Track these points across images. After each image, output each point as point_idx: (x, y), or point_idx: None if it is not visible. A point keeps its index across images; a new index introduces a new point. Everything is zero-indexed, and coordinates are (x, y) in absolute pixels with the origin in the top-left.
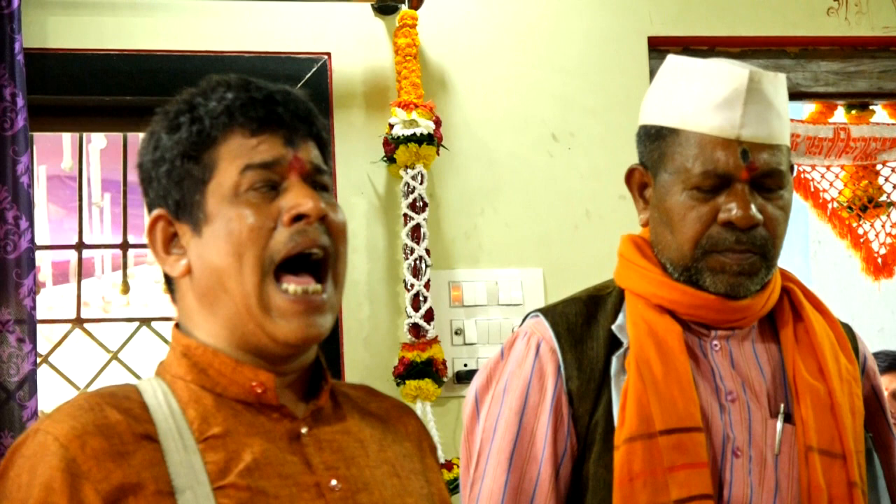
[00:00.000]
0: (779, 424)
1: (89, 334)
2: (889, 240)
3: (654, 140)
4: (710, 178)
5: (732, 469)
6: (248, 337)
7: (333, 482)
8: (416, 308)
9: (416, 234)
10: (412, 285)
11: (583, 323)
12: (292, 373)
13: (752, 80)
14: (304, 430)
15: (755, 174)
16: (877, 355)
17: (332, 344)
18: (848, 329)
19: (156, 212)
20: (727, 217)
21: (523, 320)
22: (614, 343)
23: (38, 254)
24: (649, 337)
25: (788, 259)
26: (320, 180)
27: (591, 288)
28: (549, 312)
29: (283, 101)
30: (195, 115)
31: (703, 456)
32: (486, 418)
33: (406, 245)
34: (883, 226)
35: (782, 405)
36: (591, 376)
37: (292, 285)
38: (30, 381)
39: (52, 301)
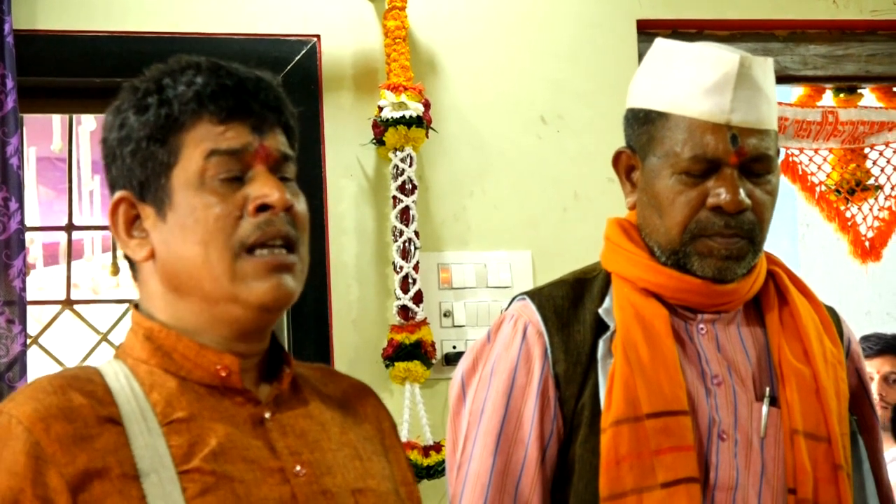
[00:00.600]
0: (764, 408)
1: (79, 315)
2: (876, 223)
3: (643, 124)
4: (700, 162)
5: (719, 452)
6: (218, 315)
7: (298, 467)
8: (405, 290)
9: (405, 216)
10: (401, 267)
11: (570, 306)
12: (254, 355)
13: (742, 65)
14: (267, 415)
15: (744, 159)
16: (868, 338)
17: (321, 325)
18: (833, 313)
19: (119, 193)
20: (716, 202)
21: (510, 303)
22: (601, 326)
23: (28, 235)
24: (636, 320)
25: (776, 242)
26: (287, 170)
27: (578, 271)
28: (535, 295)
29: (254, 90)
30: (163, 97)
31: (690, 439)
32: (473, 401)
33: (395, 227)
34: (871, 209)
35: (768, 389)
36: (578, 359)
37: (261, 250)
38: (19, 363)
39: (41, 282)
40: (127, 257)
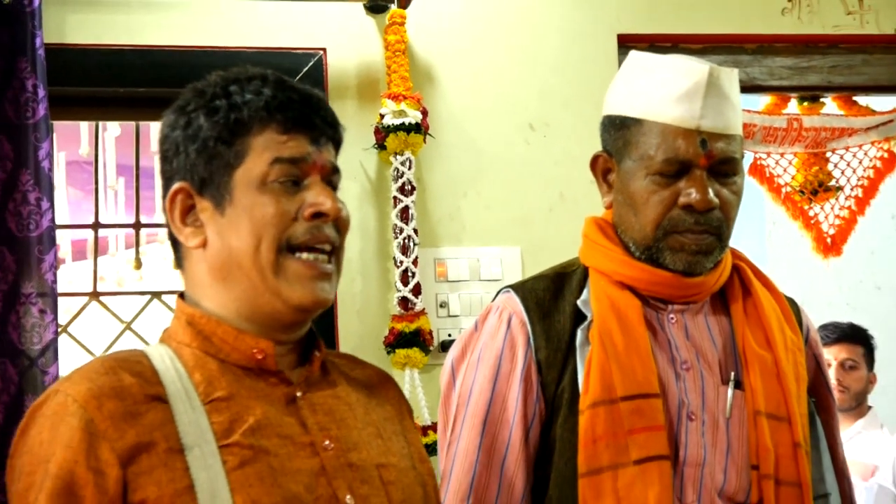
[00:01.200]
0: (729, 391)
1: (105, 306)
2: (837, 221)
3: (619, 129)
4: (672, 164)
5: (687, 432)
6: (260, 307)
7: (326, 442)
8: (405, 283)
9: (404, 215)
10: (401, 262)
11: (550, 298)
12: (289, 342)
13: (711, 75)
14: (299, 394)
15: (713, 161)
16: (825, 327)
17: (327, 316)
18: (793, 303)
19: (178, 184)
20: (687, 201)
21: (496, 295)
22: (579, 316)
23: (58, 232)
24: (611, 311)
25: (745, 239)
26: (335, 180)
27: (558, 266)
28: (519, 288)
29: (315, 106)
30: (232, 102)
31: (661, 420)
32: (462, 385)
33: (395, 225)
34: (832, 208)
35: (733, 373)
36: (558, 347)
37: (305, 254)
38: (51, 349)
39: (71, 276)
40: (174, 245)
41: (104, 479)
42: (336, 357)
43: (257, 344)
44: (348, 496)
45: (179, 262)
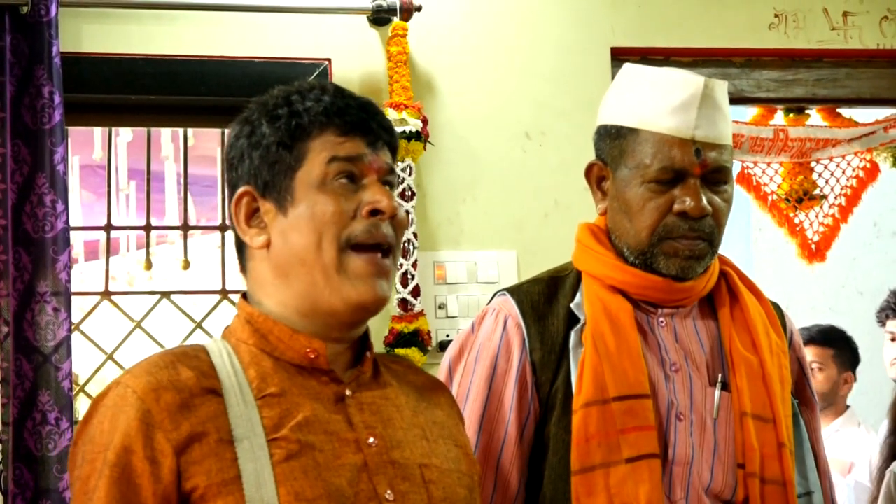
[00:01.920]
0: (717, 392)
1: (116, 305)
2: (821, 228)
3: (615, 138)
4: (667, 172)
5: (676, 431)
6: (320, 305)
7: (371, 439)
8: (405, 285)
9: None
10: (401, 265)
11: (545, 301)
12: (343, 343)
13: (706, 87)
14: (348, 393)
15: (706, 170)
16: (808, 328)
17: None
18: (777, 308)
19: (243, 188)
20: (682, 208)
21: (492, 298)
22: (573, 319)
23: (72, 234)
24: (604, 314)
25: (732, 245)
26: (391, 180)
27: (552, 269)
28: (515, 291)
29: (373, 112)
30: (293, 109)
31: (651, 420)
32: (459, 385)
33: None
34: (816, 216)
35: (720, 375)
36: (552, 348)
37: (364, 252)
38: (64, 346)
39: (83, 275)
40: (238, 248)
41: (159, 468)
42: (392, 362)
43: (311, 343)
44: (388, 492)
45: (243, 265)
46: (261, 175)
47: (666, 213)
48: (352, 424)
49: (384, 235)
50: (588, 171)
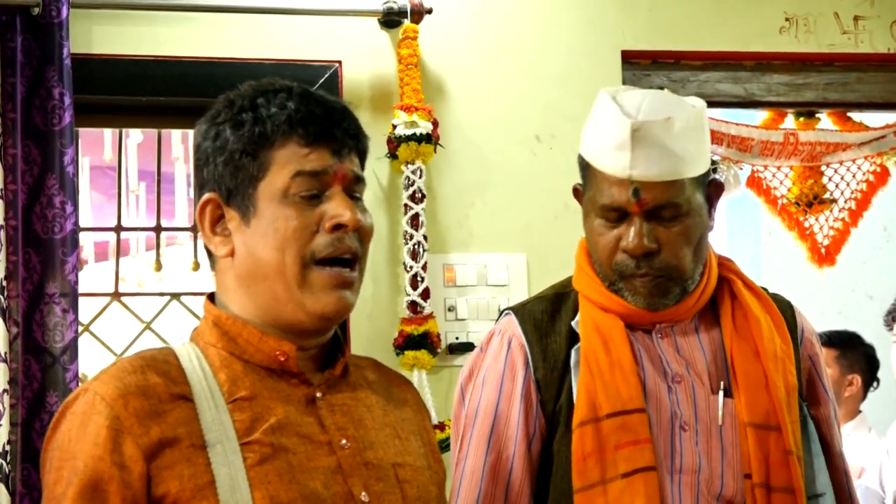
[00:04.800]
0: (720, 399)
1: (125, 306)
2: (831, 232)
3: (582, 169)
4: (609, 210)
5: (681, 441)
6: (284, 317)
7: (343, 441)
8: (415, 287)
9: (415, 222)
10: (411, 267)
11: (548, 319)
12: (312, 347)
13: (634, 129)
14: (318, 395)
15: (646, 208)
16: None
17: None
18: (786, 307)
19: (208, 195)
20: (623, 245)
21: (499, 317)
22: (574, 337)
23: (82, 235)
24: (596, 333)
25: (742, 248)
26: (358, 189)
27: (558, 284)
28: (519, 311)
29: (338, 119)
30: (258, 115)
31: (645, 433)
32: (469, 406)
33: (406, 232)
34: (826, 220)
35: (723, 382)
36: (555, 366)
37: (328, 267)
38: (72, 348)
39: (93, 277)
40: (207, 250)
41: (128, 473)
42: (358, 360)
43: (280, 346)
44: (363, 493)
45: (213, 266)
46: (224, 182)
47: (615, 251)
48: (324, 426)
49: (348, 248)
50: (575, 194)
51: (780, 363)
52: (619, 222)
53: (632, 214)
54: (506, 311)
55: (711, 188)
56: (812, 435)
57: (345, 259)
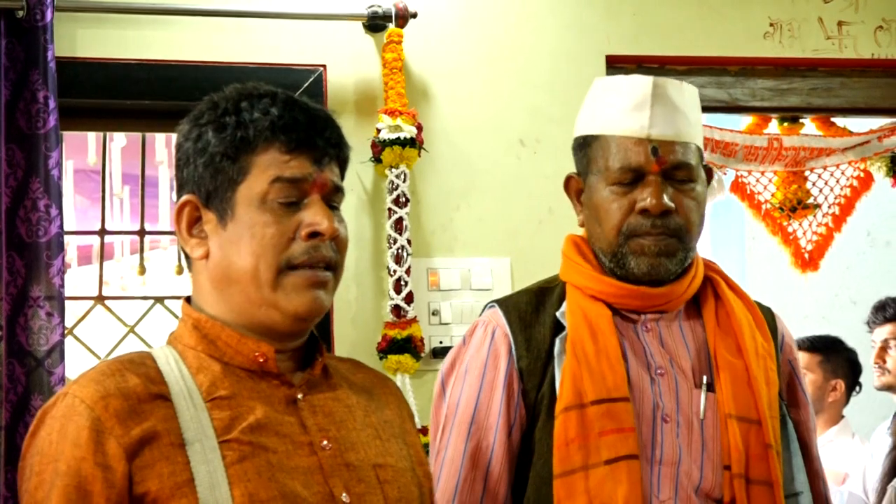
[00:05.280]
0: (703, 394)
1: (109, 310)
2: (815, 237)
3: (583, 148)
4: (626, 172)
5: (663, 433)
6: (258, 318)
7: (325, 442)
8: (398, 291)
9: (398, 226)
10: (395, 271)
11: (532, 311)
12: (290, 349)
13: (655, 85)
14: (300, 396)
15: (665, 167)
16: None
17: (323, 322)
18: (767, 312)
19: (186, 196)
20: (643, 205)
21: (483, 310)
22: (558, 327)
23: (66, 238)
24: (583, 321)
25: (726, 253)
26: (336, 199)
27: (542, 281)
28: (503, 303)
29: (321, 127)
30: (241, 119)
31: (630, 422)
32: (450, 396)
33: (390, 236)
34: (810, 225)
35: (705, 377)
36: (538, 356)
37: (305, 270)
38: (57, 351)
39: (77, 280)
40: (183, 252)
41: (112, 473)
42: (339, 361)
43: (259, 347)
44: (344, 494)
45: (189, 268)
46: (204, 184)
47: (629, 213)
48: (305, 427)
49: (323, 257)
50: (566, 185)
51: (761, 360)
52: (635, 185)
53: (648, 175)
54: (490, 304)
55: (706, 170)
56: (791, 434)
57: (319, 267)
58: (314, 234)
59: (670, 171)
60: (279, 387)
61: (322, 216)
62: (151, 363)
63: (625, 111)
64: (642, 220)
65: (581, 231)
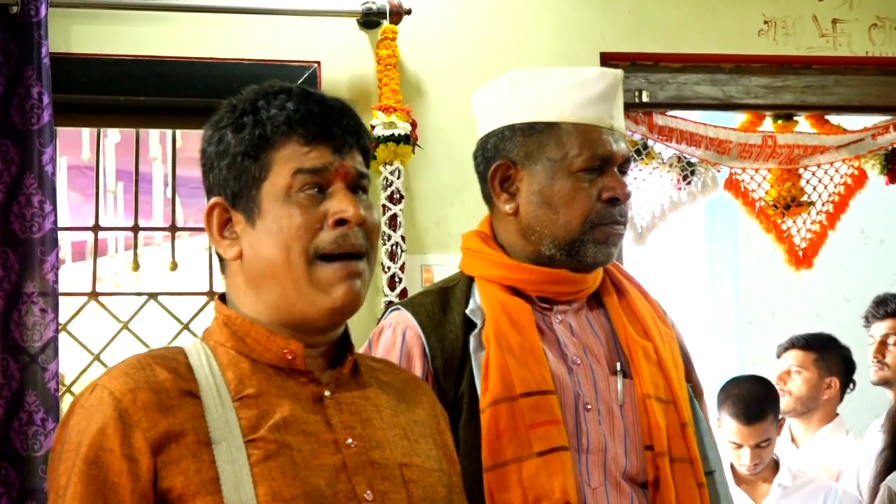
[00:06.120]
0: (619, 380)
1: (103, 306)
2: (809, 235)
3: (528, 135)
4: (596, 160)
5: (586, 421)
6: (294, 315)
7: (349, 440)
8: (392, 288)
9: (393, 222)
10: (389, 268)
11: (439, 311)
12: (322, 345)
13: (620, 78)
14: (326, 394)
15: (623, 159)
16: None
17: None
18: (656, 301)
19: (214, 199)
20: (612, 194)
21: (384, 314)
22: (469, 325)
23: (60, 234)
24: (504, 314)
25: (720, 250)
26: (361, 184)
27: (440, 281)
28: (408, 305)
29: (337, 117)
30: (258, 118)
31: (558, 414)
32: None
33: (384, 232)
34: (804, 223)
35: (618, 364)
36: (454, 354)
37: (337, 263)
38: (51, 347)
39: (70, 276)
40: (217, 255)
41: (137, 466)
42: (373, 362)
43: (288, 345)
44: (367, 492)
45: (223, 270)
46: (229, 185)
47: (595, 202)
48: (330, 425)
49: (353, 245)
50: (492, 174)
51: (666, 343)
52: (598, 174)
53: (612, 164)
54: (394, 307)
55: None
56: (699, 414)
57: (351, 254)
58: (341, 222)
59: (623, 164)
60: (307, 384)
61: (348, 203)
62: (183, 359)
63: (591, 100)
64: (609, 208)
65: (478, 224)
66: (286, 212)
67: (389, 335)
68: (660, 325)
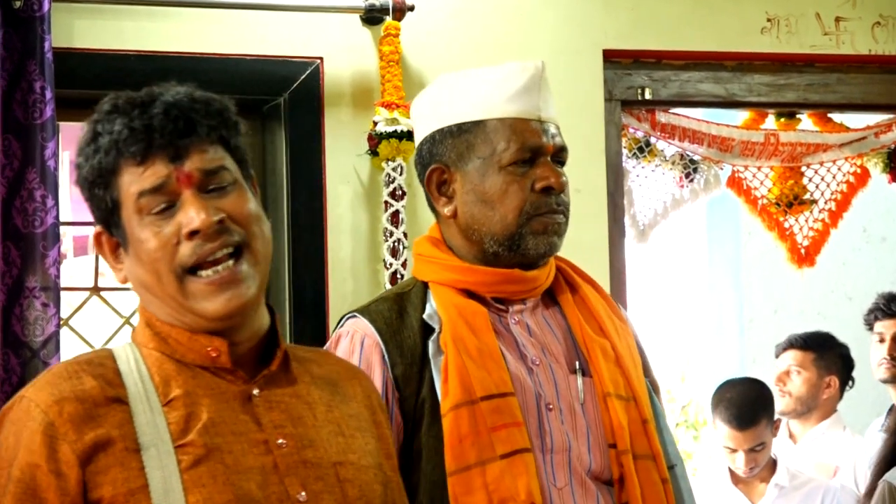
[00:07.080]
0: (578, 379)
1: (105, 301)
2: (811, 233)
3: (456, 137)
4: (525, 152)
5: (549, 421)
6: (187, 324)
7: (280, 440)
8: (394, 284)
9: (395, 219)
10: (391, 264)
11: (396, 317)
12: (246, 341)
13: (542, 69)
14: (255, 392)
15: (556, 148)
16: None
17: (319, 314)
18: (609, 297)
19: (97, 228)
20: (546, 183)
21: (340, 322)
22: (427, 330)
23: (62, 229)
24: (460, 318)
25: (722, 248)
26: (218, 180)
27: (395, 287)
28: (365, 312)
29: (160, 126)
30: (98, 145)
31: (519, 416)
32: None
33: (386, 229)
34: (806, 220)
35: (577, 362)
36: (413, 360)
37: (206, 271)
38: (53, 342)
39: (73, 271)
40: None
41: (65, 480)
42: (306, 353)
43: (211, 342)
44: (301, 493)
45: None
46: (98, 215)
47: (529, 194)
48: (260, 425)
49: (212, 251)
50: (428, 179)
51: (622, 339)
52: (529, 166)
53: (542, 156)
54: (349, 315)
55: None
56: (658, 409)
57: (216, 260)
58: (194, 233)
59: (556, 154)
60: (234, 382)
61: (195, 210)
62: (111, 363)
63: (515, 94)
64: (545, 198)
65: (428, 230)
66: (143, 236)
67: (347, 343)
68: (615, 321)
